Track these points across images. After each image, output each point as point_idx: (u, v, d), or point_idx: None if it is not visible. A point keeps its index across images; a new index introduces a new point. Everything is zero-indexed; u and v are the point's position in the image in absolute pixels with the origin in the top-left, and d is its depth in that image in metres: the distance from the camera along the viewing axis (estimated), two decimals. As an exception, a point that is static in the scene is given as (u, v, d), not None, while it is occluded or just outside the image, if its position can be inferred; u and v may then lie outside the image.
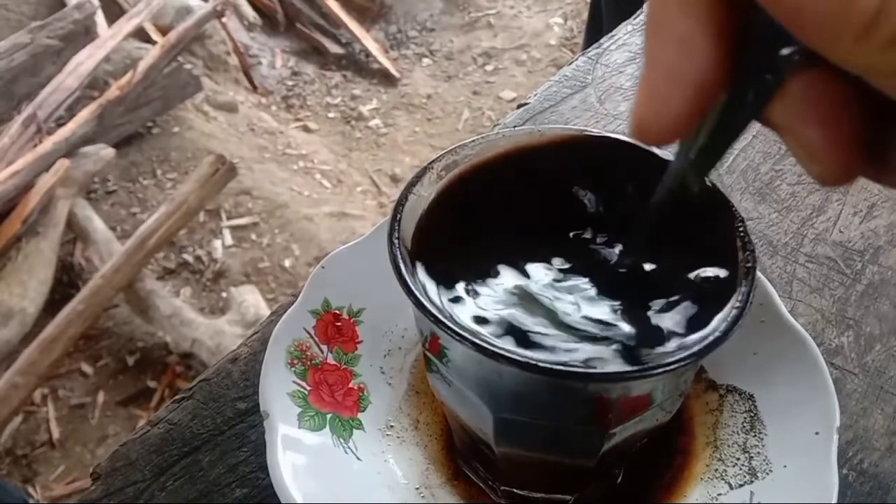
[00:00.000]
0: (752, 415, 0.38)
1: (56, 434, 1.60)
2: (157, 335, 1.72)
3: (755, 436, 0.37)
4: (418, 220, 0.32)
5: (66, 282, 1.83)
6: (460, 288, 0.30)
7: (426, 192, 0.32)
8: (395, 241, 0.29)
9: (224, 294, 1.81)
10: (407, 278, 0.28)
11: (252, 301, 1.73)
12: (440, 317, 0.27)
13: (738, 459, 0.36)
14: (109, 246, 1.81)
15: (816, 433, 0.35)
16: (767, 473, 0.35)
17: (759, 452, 0.36)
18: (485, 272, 0.31)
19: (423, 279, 0.30)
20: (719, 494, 0.36)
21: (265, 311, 1.70)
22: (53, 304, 1.70)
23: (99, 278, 1.66)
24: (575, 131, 0.36)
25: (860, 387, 0.43)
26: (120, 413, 1.65)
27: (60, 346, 1.60)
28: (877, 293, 0.47)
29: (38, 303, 1.71)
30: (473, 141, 0.34)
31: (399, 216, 0.30)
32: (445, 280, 0.30)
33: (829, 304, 0.47)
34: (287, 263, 1.89)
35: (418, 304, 0.28)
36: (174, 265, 1.88)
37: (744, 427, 0.38)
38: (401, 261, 0.29)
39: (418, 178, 0.32)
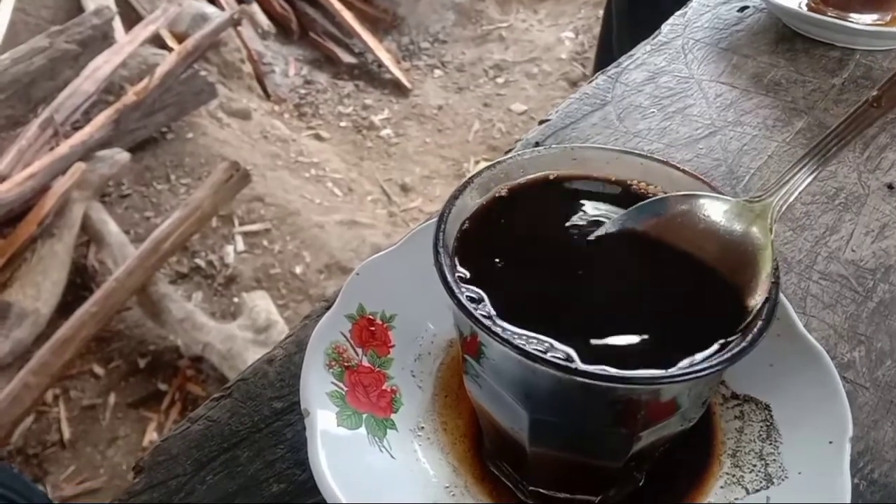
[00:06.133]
0: (769, 424, 0.40)
1: (67, 434, 1.62)
2: (168, 338, 1.74)
3: (771, 444, 0.39)
4: (460, 229, 0.34)
5: (80, 284, 1.85)
6: (498, 294, 0.32)
7: (466, 205, 0.34)
8: (440, 250, 0.31)
9: (235, 299, 1.83)
10: (451, 282, 0.30)
11: (263, 306, 1.75)
12: (483, 319, 0.29)
13: (755, 466, 0.38)
14: (123, 249, 1.83)
15: (830, 442, 0.37)
16: (783, 480, 0.37)
17: (774, 460, 0.38)
18: (521, 280, 0.33)
19: (464, 283, 0.32)
20: (736, 498, 0.37)
21: (276, 317, 1.72)
22: (66, 305, 1.72)
23: (112, 281, 1.69)
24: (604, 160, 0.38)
25: (871, 400, 0.44)
26: (130, 415, 1.67)
27: (73, 347, 1.62)
28: (887, 311, 0.49)
29: (52, 304, 1.73)
30: (511, 158, 0.36)
31: (443, 226, 0.32)
32: (485, 286, 0.32)
33: (842, 320, 0.49)
34: (298, 270, 1.91)
35: (461, 307, 0.30)
36: (187, 269, 1.90)
37: (760, 435, 0.39)
38: (445, 267, 0.31)
39: (459, 191, 0.34)
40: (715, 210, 0.36)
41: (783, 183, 0.37)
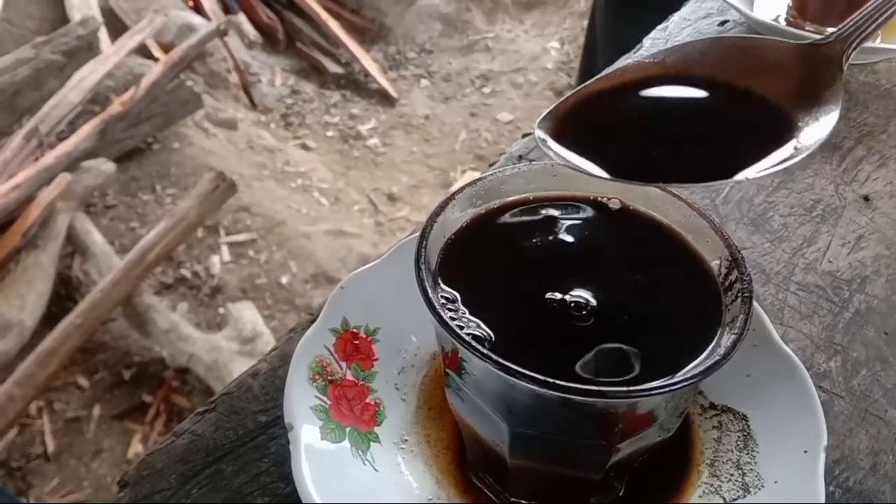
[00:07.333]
0: (746, 434, 0.40)
1: (51, 447, 1.61)
2: (153, 350, 1.73)
3: (748, 453, 0.40)
4: (443, 246, 0.34)
5: (65, 295, 1.84)
6: (479, 309, 0.32)
7: (448, 221, 0.35)
8: (422, 266, 0.32)
9: (221, 310, 1.83)
10: (432, 298, 0.31)
11: (249, 317, 1.75)
12: (464, 335, 0.29)
13: (732, 475, 0.39)
14: (108, 260, 1.83)
15: (805, 451, 0.38)
16: (759, 489, 0.38)
17: (751, 469, 0.39)
18: (501, 297, 0.33)
19: (446, 299, 0.32)
20: (714, 508, 0.38)
21: (262, 328, 1.71)
22: (51, 316, 1.71)
23: (97, 292, 1.68)
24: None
25: (846, 409, 0.45)
26: (115, 427, 1.65)
27: (58, 358, 1.61)
28: (863, 321, 0.50)
29: (36, 315, 1.72)
30: (492, 174, 0.36)
31: (425, 242, 0.33)
32: (466, 301, 0.32)
33: (819, 330, 0.49)
34: (284, 280, 1.91)
35: (443, 323, 0.30)
36: (172, 280, 1.90)
37: (737, 445, 0.40)
38: (427, 284, 0.31)
39: (441, 208, 0.35)
40: (779, 50, 0.37)
41: (857, 23, 0.37)
